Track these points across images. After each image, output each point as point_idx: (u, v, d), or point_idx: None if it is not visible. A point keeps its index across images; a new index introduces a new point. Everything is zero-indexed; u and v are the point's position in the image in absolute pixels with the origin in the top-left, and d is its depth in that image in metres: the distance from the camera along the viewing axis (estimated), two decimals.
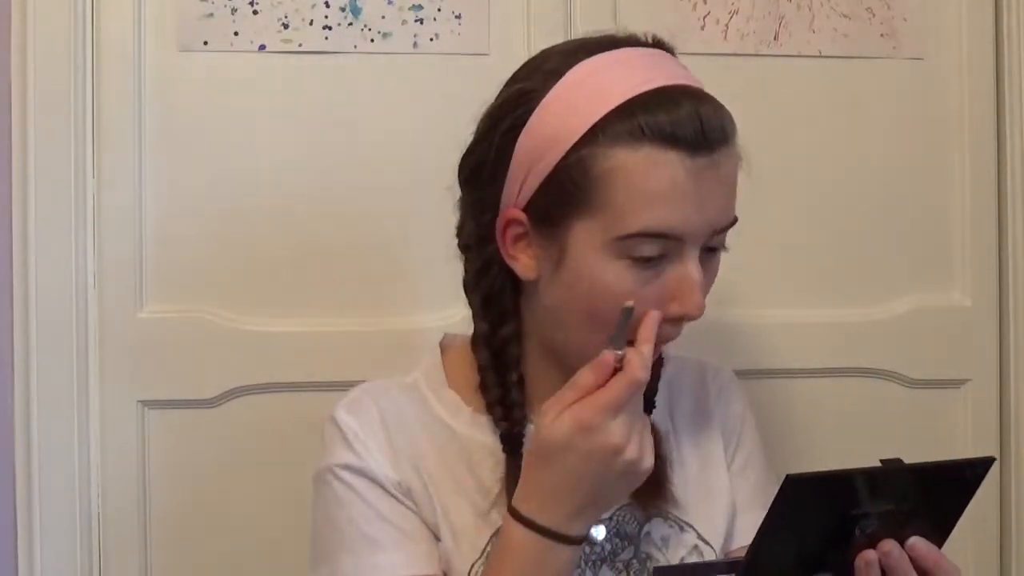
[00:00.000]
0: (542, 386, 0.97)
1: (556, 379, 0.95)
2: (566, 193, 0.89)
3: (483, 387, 0.99)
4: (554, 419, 0.85)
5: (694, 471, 1.02)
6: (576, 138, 0.88)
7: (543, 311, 0.96)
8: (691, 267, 0.89)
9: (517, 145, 0.91)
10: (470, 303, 1.00)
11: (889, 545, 0.82)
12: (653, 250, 0.88)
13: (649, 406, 0.98)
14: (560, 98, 0.90)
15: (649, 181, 0.86)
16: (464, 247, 1.00)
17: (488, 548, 0.94)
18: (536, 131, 0.90)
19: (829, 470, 0.91)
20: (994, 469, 1.50)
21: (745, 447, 1.06)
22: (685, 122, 0.86)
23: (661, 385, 1.03)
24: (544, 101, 0.90)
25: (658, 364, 1.00)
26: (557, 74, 0.91)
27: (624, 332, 0.87)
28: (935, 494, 0.82)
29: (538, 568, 0.87)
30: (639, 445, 0.85)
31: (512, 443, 0.96)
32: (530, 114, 0.91)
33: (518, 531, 0.87)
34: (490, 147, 0.93)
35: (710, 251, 0.92)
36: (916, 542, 0.83)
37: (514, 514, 0.88)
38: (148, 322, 1.36)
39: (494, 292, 0.98)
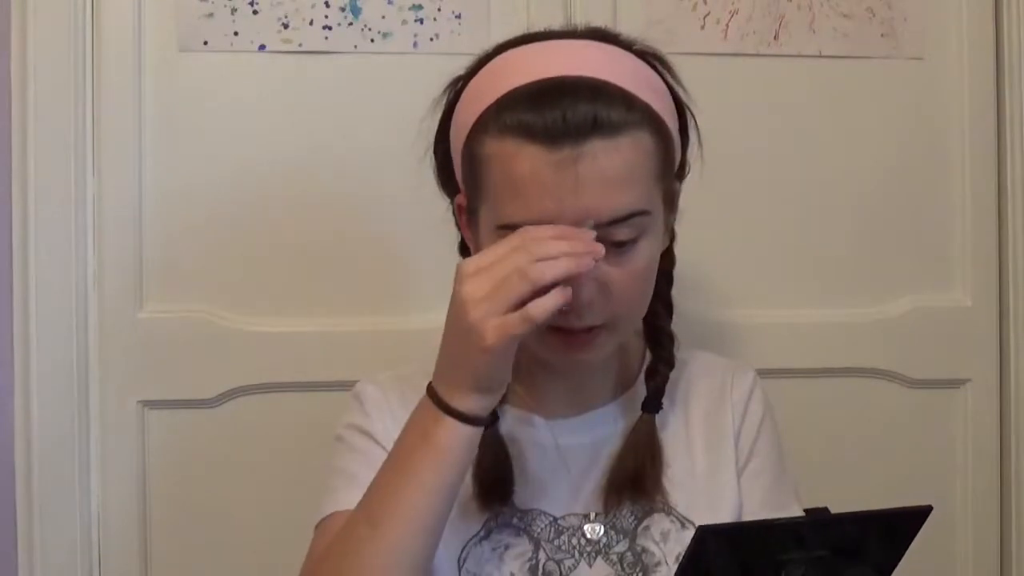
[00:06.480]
0: (539, 375, 1.00)
1: (547, 368, 0.98)
2: (469, 178, 0.91)
3: None
4: None
5: (703, 469, 1.01)
6: (470, 126, 0.90)
7: None
8: None
9: (450, 131, 0.95)
10: None
11: None
12: None
13: (655, 406, 0.99)
14: (474, 86, 0.93)
15: (511, 172, 0.86)
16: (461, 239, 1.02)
17: (482, 530, 0.96)
18: (456, 117, 0.94)
19: (746, 521, 0.90)
20: (994, 470, 1.52)
21: (761, 452, 1.04)
22: (546, 114, 0.85)
23: (680, 381, 1.03)
24: (466, 89, 0.94)
25: (667, 365, 1.01)
26: (481, 63, 0.94)
27: None
28: (870, 540, 0.80)
29: (424, 437, 0.85)
30: (484, 314, 0.80)
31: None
32: (458, 101, 0.94)
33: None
34: (438, 135, 0.97)
35: (618, 245, 0.88)
36: None
37: None
38: (148, 322, 1.36)
39: None
